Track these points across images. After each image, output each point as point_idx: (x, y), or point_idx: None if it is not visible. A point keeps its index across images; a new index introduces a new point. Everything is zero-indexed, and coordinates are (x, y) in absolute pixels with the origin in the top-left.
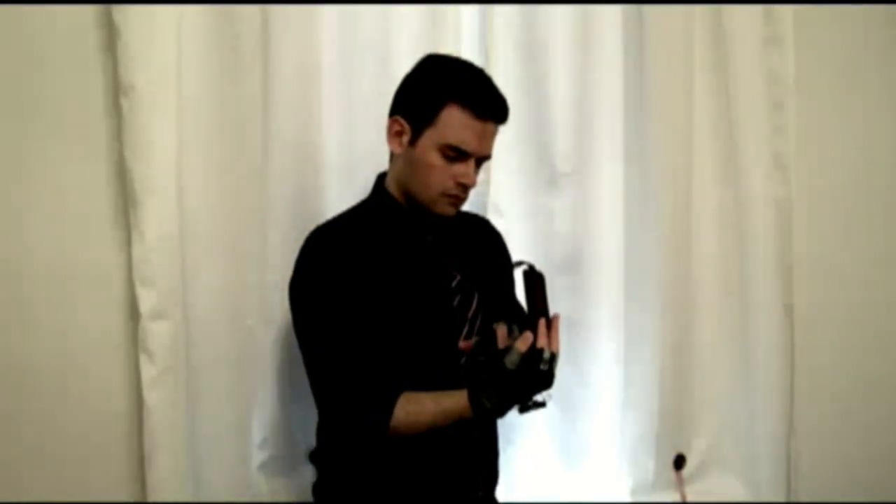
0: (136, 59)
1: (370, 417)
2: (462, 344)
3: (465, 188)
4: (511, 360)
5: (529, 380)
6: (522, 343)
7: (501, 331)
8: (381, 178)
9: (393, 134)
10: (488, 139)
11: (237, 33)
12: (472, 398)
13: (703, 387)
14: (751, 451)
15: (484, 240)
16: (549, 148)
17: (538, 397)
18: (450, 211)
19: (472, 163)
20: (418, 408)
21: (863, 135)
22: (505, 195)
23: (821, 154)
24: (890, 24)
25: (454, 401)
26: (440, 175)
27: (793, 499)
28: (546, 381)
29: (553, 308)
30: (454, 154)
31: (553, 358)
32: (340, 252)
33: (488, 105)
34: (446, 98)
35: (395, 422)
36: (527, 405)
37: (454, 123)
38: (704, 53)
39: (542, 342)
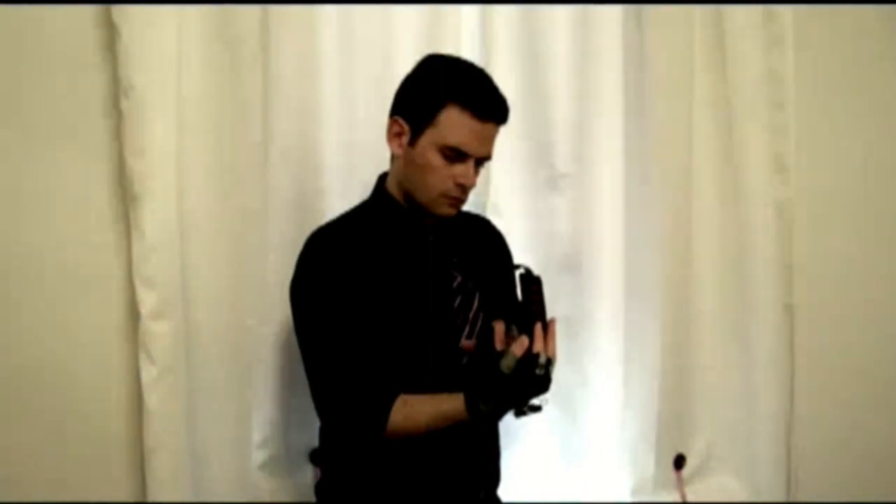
0: (136, 59)
1: (366, 419)
2: (464, 343)
3: (464, 189)
4: (506, 365)
5: (525, 384)
6: (518, 347)
7: (499, 328)
8: (382, 178)
9: (393, 135)
10: (488, 140)
11: (237, 33)
12: (468, 401)
13: (703, 387)
14: (751, 451)
15: (485, 240)
16: (549, 148)
17: (534, 401)
18: (449, 212)
19: (471, 163)
20: (415, 410)
21: (863, 135)
22: (505, 195)
23: (821, 154)
24: (890, 24)
25: (451, 404)
26: (439, 176)
27: (792, 499)
28: (542, 385)
29: (553, 308)
30: (454, 155)
31: (549, 363)
32: (341, 253)
33: (488, 106)
34: (446, 98)
35: (391, 424)
36: (522, 409)
37: (454, 124)
38: (704, 53)
39: (538, 346)
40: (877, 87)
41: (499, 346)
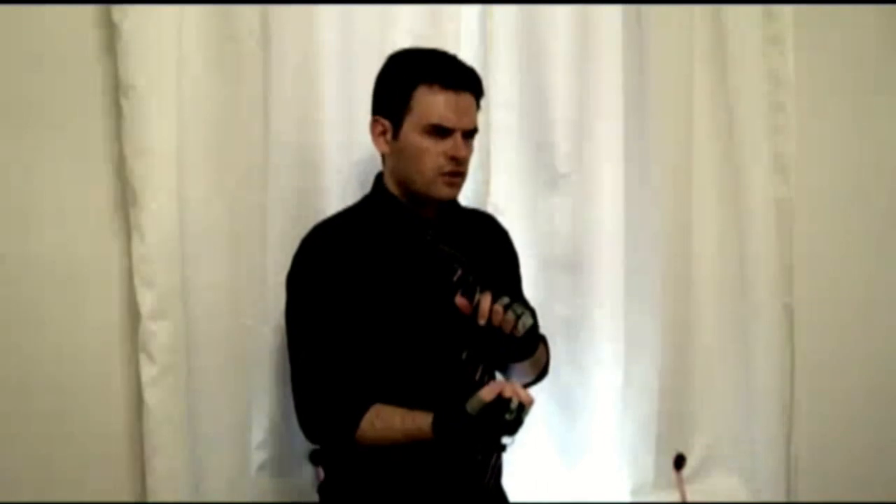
0: (136, 59)
1: (336, 425)
2: (459, 301)
3: (457, 161)
4: (472, 407)
5: (489, 427)
6: (488, 392)
7: (486, 300)
8: (380, 177)
9: (377, 135)
10: (466, 111)
11: (237, 33)
12: (435, 427)
13: (703, 387)
14: (751, 451)
15: (489, 236)
16: (549, 148)
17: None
18: (449, 192)
19: (457, 136)
20: (386, 423)
21: (862, 135)
22: (505, 195)
23: (821, 154)
24: (890, 24)
25: (419, 424)
26: (430, 155)
27: (792, 499)
28: (509, 429)
29: (553, 308)
30: (437, 132)
31: (522, 408)
32: (338, 248)
33: (455, 75)
34: (414, 81)
35: (360, 433)
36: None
37: (428, 102)
38: (704, 53)
39: (508, 392)
40: (877, 87)
41: (481, 321)
